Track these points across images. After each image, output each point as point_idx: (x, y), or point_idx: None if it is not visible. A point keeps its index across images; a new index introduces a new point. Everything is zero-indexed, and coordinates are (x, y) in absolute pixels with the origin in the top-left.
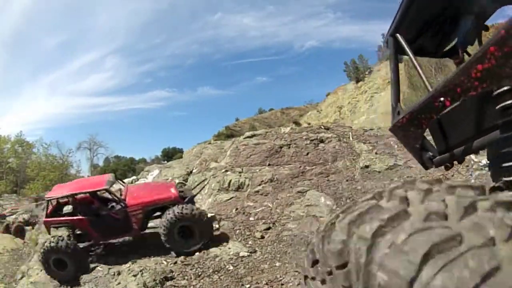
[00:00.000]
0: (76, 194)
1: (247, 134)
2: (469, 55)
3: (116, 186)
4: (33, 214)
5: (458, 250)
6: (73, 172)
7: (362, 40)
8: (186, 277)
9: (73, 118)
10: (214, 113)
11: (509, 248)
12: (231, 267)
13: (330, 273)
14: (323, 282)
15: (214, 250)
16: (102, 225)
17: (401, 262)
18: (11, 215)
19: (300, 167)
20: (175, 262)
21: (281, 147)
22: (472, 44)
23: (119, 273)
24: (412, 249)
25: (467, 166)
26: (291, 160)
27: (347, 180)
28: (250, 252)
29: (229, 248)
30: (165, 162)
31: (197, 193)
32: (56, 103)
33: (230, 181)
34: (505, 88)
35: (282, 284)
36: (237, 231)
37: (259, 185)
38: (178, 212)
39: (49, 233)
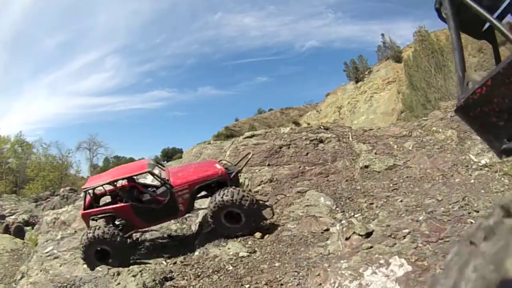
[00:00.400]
0: (117, 180)
1: (247, 134)
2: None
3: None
4: (32, 214)
5: None
6: (73, 173)
7: (362, 40)
8: (185, 277)
9: (73, 118)
10: (214, 113)
11: None
12: (231, 267)
13: None
14: None
15: (213, 250)
16: (146, 211)
17: None
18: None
19: (300, 167)
20: (175, 263)
21: (280, 147)
22: None
23: (118, 274)
24: None
25: (467, 166)
26: (291, 160)
27: (346, 180)
28: (250, 252)
29: (229, 248)
30: (165, 162)
31: (242, 168)
32: (56, 103)
33: None
34: None
35: (281, 284)
36: None
37: (259, 185)
38: (225, 198)
39: (88, 226)
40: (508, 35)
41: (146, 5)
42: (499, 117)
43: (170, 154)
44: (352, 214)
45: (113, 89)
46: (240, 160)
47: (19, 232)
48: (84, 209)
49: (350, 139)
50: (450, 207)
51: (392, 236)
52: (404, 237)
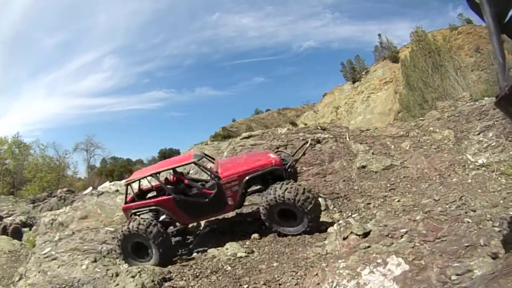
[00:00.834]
0: (159, 172)
1: (244, 134)
2: None
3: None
4: (30, 216)
5: None
6: (70, 174)
7: (360, 41)
8: (184, 278)
9: (71, 119)
10: (211, 113)
11: None
12: (229, 268)
13: None
14: None
15: (211, 251)
16: (191, 205)
17: None
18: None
19: (297, 167)
20: (173, 263)
21: (277, 148)
22: None
23: (117, 274)
24: None
25: (464, 166)
26: None
27: (344, 181)
28: (248, 253)
29: (227, 249)
30: None
31: (299, 158)
32: (55, 103)
33: None
34: None
35: (279, 284)
36: (235, 231)
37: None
38: (287, 195)
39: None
40: None
41: (145, 6)
42: None
43: (167, 155)
44: (350, 214)
45: (111, 90)
46: (298, 150)
47: (16, 234)
48: (125, 203)
49: (347, 139)
50: (447, 206)
51: (390, 235)
52: (401, 236)
